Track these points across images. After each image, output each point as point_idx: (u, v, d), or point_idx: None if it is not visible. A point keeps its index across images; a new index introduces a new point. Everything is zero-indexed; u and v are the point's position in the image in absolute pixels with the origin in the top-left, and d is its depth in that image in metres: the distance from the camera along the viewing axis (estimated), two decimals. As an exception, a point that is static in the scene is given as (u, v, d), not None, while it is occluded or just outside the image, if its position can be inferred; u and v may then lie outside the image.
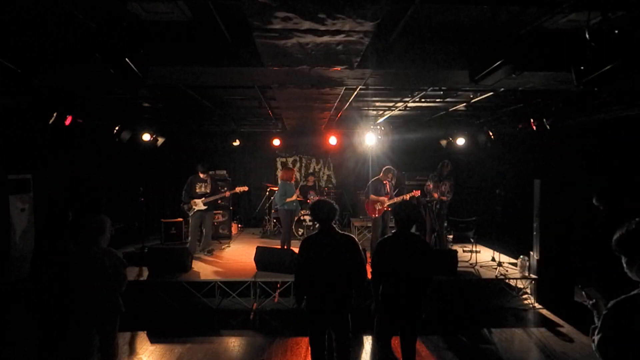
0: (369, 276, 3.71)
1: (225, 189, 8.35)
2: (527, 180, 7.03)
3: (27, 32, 3.66)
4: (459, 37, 3.85)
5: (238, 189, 8.15)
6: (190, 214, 7.59)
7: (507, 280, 6.60)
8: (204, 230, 7.85)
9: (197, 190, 7.66)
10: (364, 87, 5.13)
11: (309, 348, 3.75)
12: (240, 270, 6.75)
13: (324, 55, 3.58)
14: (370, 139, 9.17)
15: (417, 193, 7.41)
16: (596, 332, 2.05)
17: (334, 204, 3.65)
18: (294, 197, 7.51)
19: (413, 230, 3.80)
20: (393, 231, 3.80)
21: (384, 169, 7.34)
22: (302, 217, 9.06)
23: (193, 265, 6.87)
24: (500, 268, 6.86)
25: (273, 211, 9.85)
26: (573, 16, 3.34)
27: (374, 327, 3.84)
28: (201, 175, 7.70)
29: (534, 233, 6.64)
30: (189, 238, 7.85)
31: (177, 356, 4.72)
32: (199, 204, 7.56)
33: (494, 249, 7.51)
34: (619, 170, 6.10)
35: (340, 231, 3.70)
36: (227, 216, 9.47)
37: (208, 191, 7.71)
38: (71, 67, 4.10)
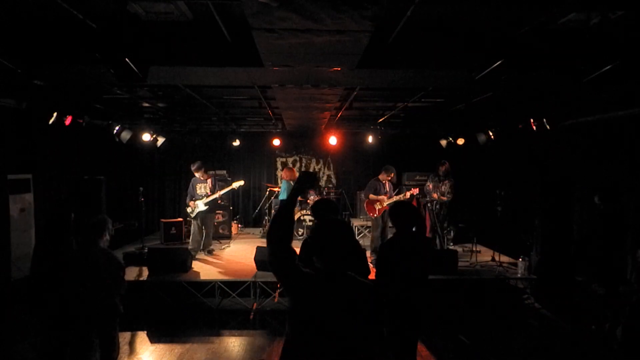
0: (370, 276, 3.70)
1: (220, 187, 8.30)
2: (527, 180, 7.04)
3: (27, 32, 3.66)
4: (459, 37, 3.85)
5: (234, 184, 8.11)
6: (193, 215, 7.54)
7: (507, 280, 6.60)
8: (204, 231, 7.80)
9: (198, 192, 7.62)
10: (364, 87, 5.13)
11: (309, 348, 3.75)
12: (240, 270, 6.75)
13: (324, 55, 3.59)
14: (370, 139, 9.18)
15: (416, 191, 7.41)
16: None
17: (334, 202, 3.80)
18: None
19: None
20: (394, 232, 3.78)
21: (383, 168, 7.34)
22: (302, 217, 9.06)
23: (193, 265, 6.87)
24: (500, 268, 6.86)
25: (273, 211, 9.85)
26: (573, 16, 3.34)
27: (386, 333, 3.76)
28: (198, 176, 7.64)
29: (534, 233, 6.64)
30: (190, 240, 7.70)
31: (177, 356, 4.72)
32: (199, 206, 7.52)
33: (494, 249, 7.51)
34: (619, 170, 6.10)
35: None
36: (227, 216, 9.47)
37: (208, 192, 7.63)
38: (71, 67, 4.11)
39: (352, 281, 2.06)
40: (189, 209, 7.57)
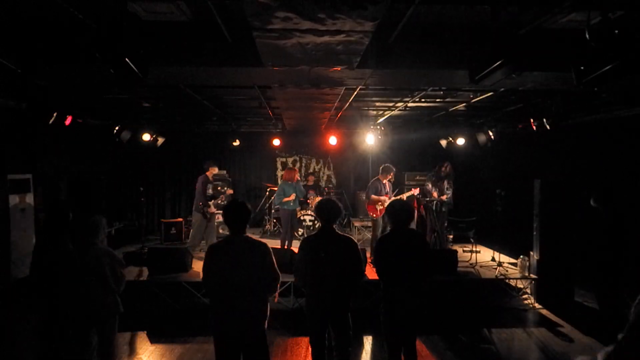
0: (369, 277, 3.70)
1: (226, 188, 8.31)
2: (527, 180, 7.02)
3: (27, 31, 3.66)
4: (459, 37, 3.85)
5: (228, 192, 8.20)
6: (207, 216, 7.36)
7: (507, 280, 6.59)
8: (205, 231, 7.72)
9: (208, 193, 7.49)
10: (364, 87, 5.13)
11: (309, 348, 3.75)
12: (240, 270, 6.73)
13: (324, 55, 3.59)
14: (370, 139, 9.18)
15: (416, 191, 7.40)
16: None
17: (338, 204, 3.67)
18: (292, 197, 7.48)
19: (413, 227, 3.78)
20: (389, 228, 3.79)
21: (381, 167, 7.33)
22: (302, 217, 9.06)
23: (193, 265, 6.87)
24: (500, 268, 6.86)
25: (273, 211, 9.85)
26: (573, 16, 3.35)
27: (382, 328, 3.76)
28: (210, 175, 7.49)
29: (534, 233, 6.64)
30: (190, 237, 7.64)
31: (177, 356, 4.72)
32: (213, 209, 7.43)
33: (494, 249, 7.51)
34: (619, 171, 6.10)
35: (340, 232, 3.71)
36: (227, 216, 9.44)
37: (213, 193, 7.59)
38: (71, 67, 4.11)
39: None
40: (204, 209, 7.29)
